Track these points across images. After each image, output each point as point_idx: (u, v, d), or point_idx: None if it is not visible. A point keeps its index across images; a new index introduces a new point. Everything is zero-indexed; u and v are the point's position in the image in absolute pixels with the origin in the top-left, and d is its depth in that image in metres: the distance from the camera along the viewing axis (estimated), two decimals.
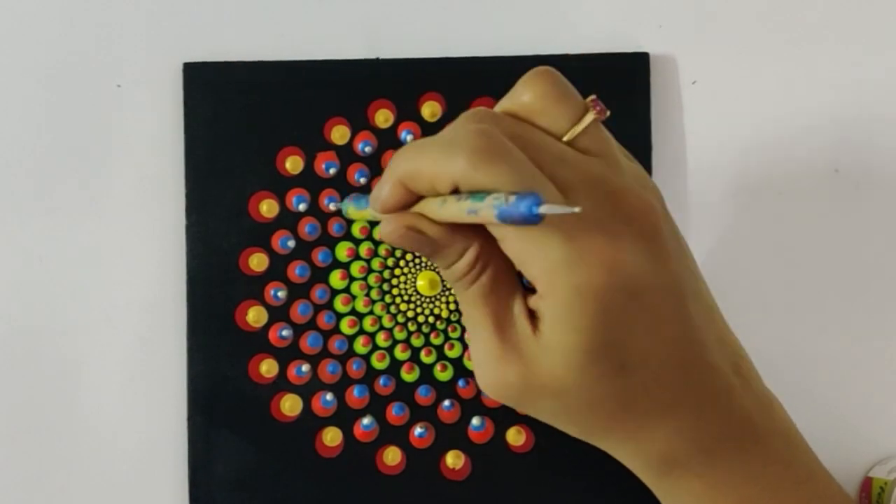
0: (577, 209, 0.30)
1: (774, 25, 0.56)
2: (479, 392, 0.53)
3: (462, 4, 0.55)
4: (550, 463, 0.53)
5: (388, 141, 0.54)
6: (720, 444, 0.38)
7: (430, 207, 0.35)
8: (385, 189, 0.36)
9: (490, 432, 0.53)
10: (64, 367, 0.53)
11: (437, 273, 0.54)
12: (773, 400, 0.41)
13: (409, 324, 0.54)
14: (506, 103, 0.38)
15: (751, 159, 0.55)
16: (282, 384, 0.53)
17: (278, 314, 0.53)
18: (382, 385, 0.53)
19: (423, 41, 0.55)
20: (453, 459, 0.53)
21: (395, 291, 0.54)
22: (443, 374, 0.53)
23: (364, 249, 0.54)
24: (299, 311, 0.53)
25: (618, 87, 0.54)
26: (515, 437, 0.53)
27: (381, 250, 0.54)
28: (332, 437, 0.53)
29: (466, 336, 0.37)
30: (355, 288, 0.54)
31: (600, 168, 0.36)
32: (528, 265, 0.34)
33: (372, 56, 0.54)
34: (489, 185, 0.33)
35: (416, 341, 0.54)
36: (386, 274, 0.54)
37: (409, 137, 0.54)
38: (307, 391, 0.53)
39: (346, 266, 0.54)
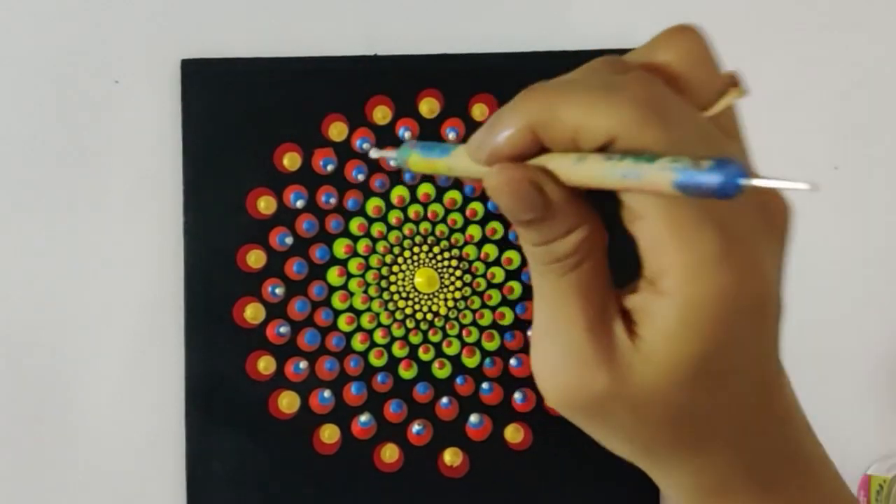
0: (806, 186, 0.24)
1: (774, 24, 0.55)
2: (477, 389, 0.53)
3: (460, 1, 0.55)
4: (548, 461, 0.53)
5: (386, 137, 0.54)
6: (775, 473, 0.34)
7: (556, 163, 0.28)
8: (505, 133, 0.28)
9: (488, 430, 0.53)
10: (62, 363, 0.53)
11: (436, 270, 0.54)
12: (806, 416, 0.38)
13: (408, 321, 0.54)
14: (640, 57, 0.31)
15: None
16: (279, 381, 0.53)
17: (276, 311, 0.53)
18: (380, 382, 0.53)
19: (421, 38, 0.55)
20: (451, 457, 0.53)
21: (393, 288, 0.54)
22: (441, 371, 0.53)
23: (362, 246, 0.53)
24: (297, 308, 0.53)
25: None
26: (513, 434, 0.53)
27: (380, 247, 0.54)
28: (329, 434, 0.53)
29: (533, 334, 0.31)
30: (353, 285, 0.53)
31: (744, 157, 0.31)
32: (666, 254, 0.28)
33: (370, 52, 0.54)
34: (654, 145, 0.27)
35: (415, 338, 0.53)
36: (384, 271, 0.54)
37: (406, 134, 0.54)
38: (305, 388, 0.53)
39: (343, 263, 0.53)
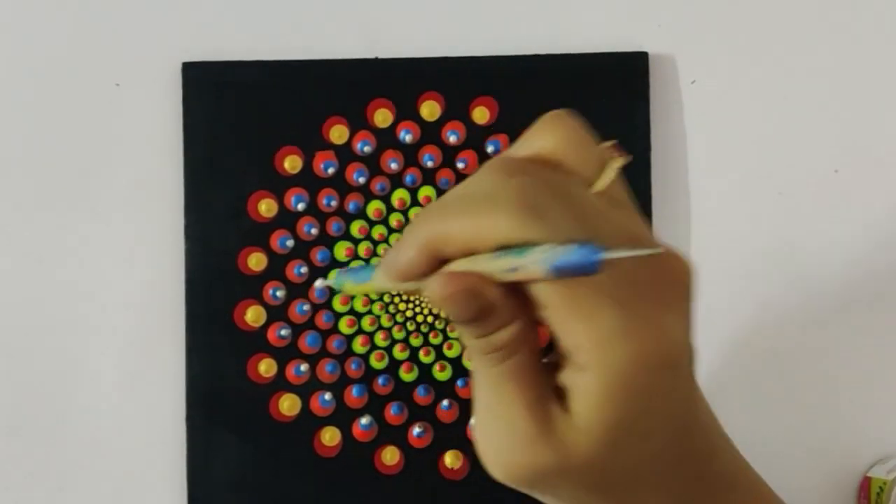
0: (650, 251, 0.27)
1: (774, 25, 0.56)
2: None
3: (461, 4, 0.55)
4: None
5: (387, 140, 0.54)
6: (700, 501, 0.36)
7: (456, 266, 0.31)
8: (408, 255, 0.31)
9: None
10: (62, 366, 0.53)
11: None
12: (731, 444, 0.39)
13: (408, 323, 0.54)
14: (524, 150, 0.34)
15: (750, 159, 0.55)
16: (280, 384, 0.53)
17: (277, 314, 0.53)
18: (381, 384, 0.53)
19: (422, 41, 0.55)
20: (452, 459, 0.53)
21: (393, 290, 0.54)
22: (441, 373, 0.53)
23: (363, 249, 0.54)
24: (298, 311, 0.53)
25: (617, 86, 0.54)
26: None
27: (381, 250, 0.54)
28: (330, 436, 0.53)
29: (476, 416, 0.34)
30: None
31: (634, 224, 0.34)
32: (575, 334, 0.31)
33: (371, 55, 0.54)
34: (540, 240, 0.29)
35: (415, 341, 0.53)
36: None
37: (408, 137, 0.54)
38: (306, 391, 0.53)
39: (344, 265, 0.54)
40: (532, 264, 0.29)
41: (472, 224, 0.30)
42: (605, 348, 0.31)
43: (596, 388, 0.31)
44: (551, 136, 0.33)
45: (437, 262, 0.32)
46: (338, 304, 0.53)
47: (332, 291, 0.53)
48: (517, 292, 0.32)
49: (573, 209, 0.31)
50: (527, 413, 0.32)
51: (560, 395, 0.33)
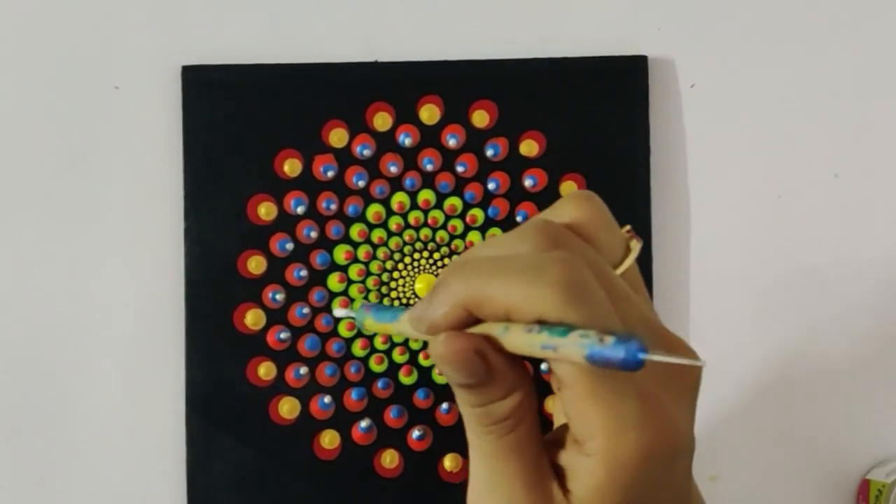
0: (700, 362, 0.27)
1: (773, 28, 0.56)
2: None
3: (461, 7, 0.55)
4: None
5: (387, 144, 0.54)
6: None
7: (487, 331, 0.31)
8: (440, 310, 0.31)
9: None
10: (62, 369, 0.53)
11: (436, 276, 0.54)
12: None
13: None
14: (557, 219, 0.34)
15: (750, 163, 0.55)
16: (280, 387, 0.53)
17: (276, 317, 0.53)
18: (380, 388, 0.53)
19: (421, 44, 0.55)
20: (451, 462, 0.53)
21: (393, 294, 0.54)
22: (441, 376, 0.53)
23: (362, 252, 0.54)
24: (297, 314, 0.53)
25: (616, 90, 0.54)
26: None
27: (380, 253, 0.54)
28: (329, 439, 0.53)
29: (471, 489, 0.33)
30: (353, 291, 0.54)
31: (648, 310, 0.34)
32: (589, 420, 0.31)
33: (370, 59, 0.54)
34: (579, 322, 0.29)
35: (415, 344, 0.53)
36: (384, 277, 0.54)
37: (407, 141, 0.54)
38: (305, 394, 0.53)
39: (344, 269, 0.54)
40: (572, 346, 0.28)
41: (514, 293, 0.29)
42: (617, 439, 0.30)
43: (601, 476, 0.31)
44: (584, 211, 0.33)
45: (470, 320, 0.31)
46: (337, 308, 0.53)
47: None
48: (518, 360, 0.31)
49: (610, 292, 0.31)
50: (525, 489, 0.32)
51: (559, 472, 0.32)
